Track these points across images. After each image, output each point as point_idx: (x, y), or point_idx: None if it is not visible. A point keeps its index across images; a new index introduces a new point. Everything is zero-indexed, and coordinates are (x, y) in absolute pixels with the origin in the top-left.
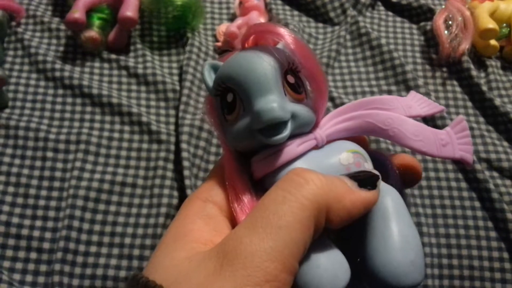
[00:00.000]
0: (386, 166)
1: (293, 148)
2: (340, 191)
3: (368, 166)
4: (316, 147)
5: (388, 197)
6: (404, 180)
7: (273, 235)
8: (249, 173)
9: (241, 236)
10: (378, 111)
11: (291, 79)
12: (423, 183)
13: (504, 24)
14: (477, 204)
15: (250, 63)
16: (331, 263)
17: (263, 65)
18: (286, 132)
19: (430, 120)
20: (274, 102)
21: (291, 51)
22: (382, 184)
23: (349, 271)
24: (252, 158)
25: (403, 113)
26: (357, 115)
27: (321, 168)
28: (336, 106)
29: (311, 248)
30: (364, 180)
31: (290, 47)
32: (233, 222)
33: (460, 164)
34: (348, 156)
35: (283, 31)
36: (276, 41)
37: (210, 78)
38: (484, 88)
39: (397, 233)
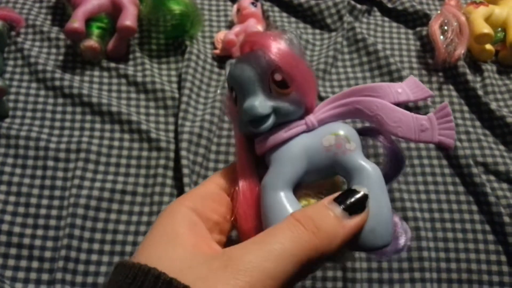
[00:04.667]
0: (381, 137)
1: (280, 133)
2: (332, 232)
3: (350, 146)
4: (307, 130)
5: (368, 172)
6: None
7: (276, 262)
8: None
9: (250, 250)
10: (367, 98)
11: (278, 77)
12: (421, 187)
13: (499, 29)
14: (474, 208)
15: (240, 70)
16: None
17: (248, 73)
18: (268, 123)
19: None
20: (256, 101)
21: (272, 59)
22: (365, 161)
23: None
24: (255, 139)
25: (392, 99)
26: (349, 102)
27: (305, 149)
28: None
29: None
30: (353, 205)
31: (271, 56)
32: (212, 230)
33: (454, 163)
34: (330, 138)
35: (268, 41)
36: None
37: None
38: (480, 92)
39: None
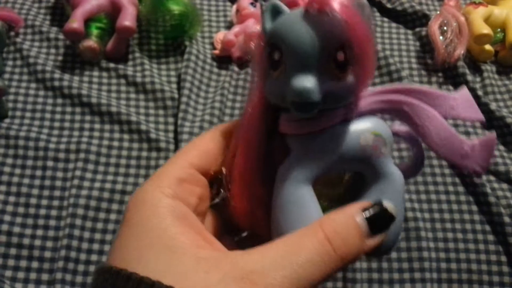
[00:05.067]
0: (413, 143)
1: (321, 121)
2: (357, 253)
3: (385, 150)
4: (347, 120)
5: (393, 180)
6: None
7: (295, 284)
8: (272, 124)
9: (270, 274)
10: (419, 103)
11: (341, 57)
12: (421, 187)
13: (499, 29)
14: (474, 208)
15: (303, 33)
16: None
17: (312, 40)
18: (314, 111)
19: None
20: (310, 83)
21: (344, 28)
22: (393, 167)
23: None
24: (283, 112)
25: (444, 112)
26: (397, 100)
27: (340, 143)
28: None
29: None
30: (378, 221)
31: (343, 24)
32: (204, 216)
33: (458, 169)
34: (368, 137)
35: (344, 8)
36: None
37: (269, 21)
38: (480, 92)
39: None
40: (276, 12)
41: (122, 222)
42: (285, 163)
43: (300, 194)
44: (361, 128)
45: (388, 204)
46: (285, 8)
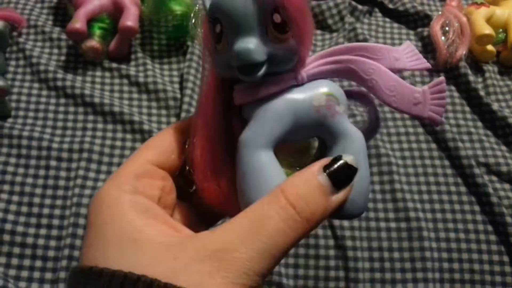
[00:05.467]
0: (364, 101)
1: (270, 85)
2: (323, 213)
3: (339, 108)
4: (295, 84)
5: (354, 139)
6: None
7: (269, 261)
8: (228, 100)
9: (240, 246)
10: (364, 59)
11: (277, 18)
12: (423, 187)
13: (500, 30)
14: (476, 208)
15: (238, 0)
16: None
17: (247, 4)
18: (260, 72)
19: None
20: (251, 44)
21: None
22: (351, 126)
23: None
24: (235, 85)
25: (388, 64)
26: (343, 59)
27: (294, 106)
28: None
29: None
30: (342, 179)
31: None
32: (172, 208)
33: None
34: (320, 98)
35: None
36: None
37: (208, 1)
38: (482, 93)
39: None
40: None
41: (87, 226)
42: (244, 132)
43: (259, 159)
44: (312, 90)
45: (347, 157)
46: None
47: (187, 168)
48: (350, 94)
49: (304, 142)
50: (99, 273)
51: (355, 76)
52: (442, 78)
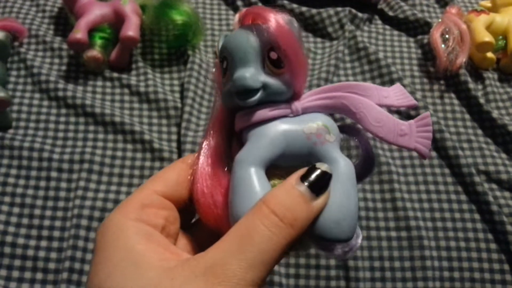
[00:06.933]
0: (358, 137)
1: (265, 111)
2: (306, 218)
3: (329, 137)
4: (291, 115)
5: (342, 166)
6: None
7: (259, 269)
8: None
9: (229, 259)
10: (354, 95)
11: (273, 55)
12: (423, 196)
13: (500, 37)
14: (477, 216)
15: (238, 39)
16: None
17: (246, 42)
18: (255, 97)
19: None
20: (247, 73)
21: (272, 33)
22: (340, 155)
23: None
24: (236, 114)
25: (377, 101)
26: (335, 96)
27: (286, 132)
28: (336, 120)
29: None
30: (319, 185)
31: (271, 30)
32: (175, 237)
33: (458, 179)
34: (312, 126)
35: (270, 15)
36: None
37: (220, 44)
38: (482, 100)
39: (332, 195)
40: (225, 37)
41: (94, 250)
42: (239, 152)
43: (248, 172)
44: (304, 119)
45: (320, 165)
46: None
47: (190, 198)
48: (343, 129)
49: (294, 169)
50: None
51: (345, 110)
52: (427, 113)
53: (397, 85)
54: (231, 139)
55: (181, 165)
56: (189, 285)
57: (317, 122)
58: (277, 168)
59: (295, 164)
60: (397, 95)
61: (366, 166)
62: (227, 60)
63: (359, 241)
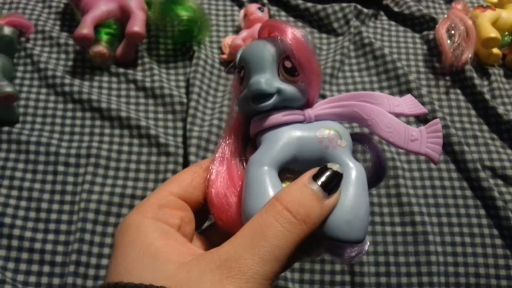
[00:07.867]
0: (369, 145)
1: (279, 116)
2: (318, 215)
3: (341, 143)
4: (304, 121)
5: (353, 170)
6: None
7: (272, 264)
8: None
9: (243, 254)
10: (365, 103)
11: (288, 64)
12: (429, 191)
13: (506, 33)
14: (482, 212)
15: (254, 48)
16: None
17: (262, 51)
18: (269, 102)
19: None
20: (263, 78)
21: (287, 43)
22: (351, 160)
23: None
24: (252, 120)
25: (388, 109)
26: (348, 104)
27: (299, 136)
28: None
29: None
30: (330, 184)
31: (287, 40)
32: (190, 238)
33: (462, 175)
34: (324, 131)
35: (286, 28)
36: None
37: (238, 55)
38: (487, 96)
39: (344, 197)
40: (243, 49)
41: (113, 248)
42: (253, 154)
43: (261, 172)
44: (318, 125)
45: (332, 165)
46: None
47: (204, 200)
48: (355, 137)
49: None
50: (123, 287)
51: (357, 117)
52: (437, 119)
53: (408, 95)
54: (246, 144)
55: (196, 168)
56: (205, 277)
57: (329, 128)
58: (289, 171)
59: (307, 168)
60: (407, 104)
61: (377, 173)
62: (244, 69)
63: (366, 247)
